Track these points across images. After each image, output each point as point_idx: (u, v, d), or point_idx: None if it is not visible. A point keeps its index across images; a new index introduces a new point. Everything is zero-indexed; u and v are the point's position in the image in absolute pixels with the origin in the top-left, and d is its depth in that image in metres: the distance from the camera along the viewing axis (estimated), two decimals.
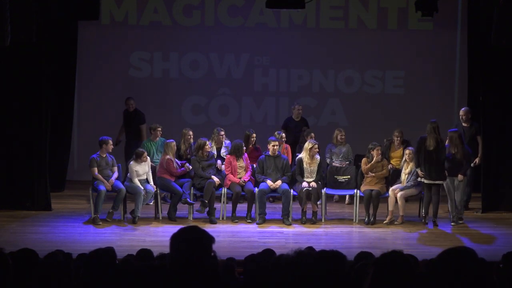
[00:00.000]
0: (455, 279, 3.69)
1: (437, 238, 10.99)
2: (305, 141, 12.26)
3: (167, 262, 3.90)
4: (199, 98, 14.79)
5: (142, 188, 11.58)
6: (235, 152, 11.92)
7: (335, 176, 12.35)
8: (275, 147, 11.92)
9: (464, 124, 12.26)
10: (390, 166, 12.07)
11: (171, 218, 11.62)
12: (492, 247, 10.28)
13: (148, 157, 11.94)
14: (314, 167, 11.83)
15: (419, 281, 3.92)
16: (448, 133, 11.69)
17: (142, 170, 11.73)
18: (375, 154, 11.83)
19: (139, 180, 11.67)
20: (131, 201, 11.98)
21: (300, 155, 12.05)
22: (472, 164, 12.01)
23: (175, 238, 3.88)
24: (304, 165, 11.83)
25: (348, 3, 14.53)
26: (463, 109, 12.52)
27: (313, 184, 11.70)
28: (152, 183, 11.80)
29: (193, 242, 3.84)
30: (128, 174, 11.75)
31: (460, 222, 11.61)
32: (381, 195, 11.69)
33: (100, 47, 14.58)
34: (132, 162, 11.73)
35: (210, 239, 3.87)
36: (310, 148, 11.80)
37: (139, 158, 11.68)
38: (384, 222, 11.59)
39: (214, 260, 3.86)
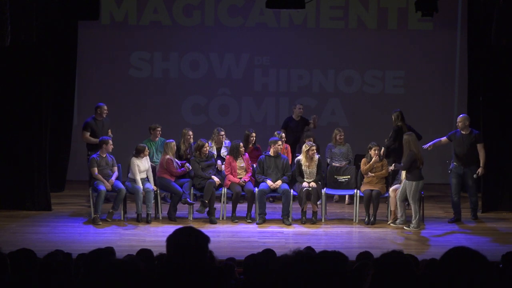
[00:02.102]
0: (457, 279, 3.69)
1: (437, 238, 10.98)
2: (304, 142, 12.23)
3: (165, 263, 3.91)
4: (199, 98, 14.79)
5: (142, 187, 11.58)
6: (233, 153, 11.91)
7: (335, 176, 12.34)
8: (280, 146, 11.91)
9: (462, 132, 11.75)
10: (390, 168, 12.05)
11: (171, 218, 11.62)
12: (492, 247, 10.27)
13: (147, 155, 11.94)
14: (313, 169, 11.81)
15: (419, 281, 3.92)
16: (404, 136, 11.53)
17: (143, 166, 11.73)
18: (373, 154, 11.82)
19: (140, 178, 11.67)
20: (131, 201, 11.97)
21: (299, 157, 12.04)
22: (475, 176, 11.68)
23: (170, 239, 3.89)
24: (303, 167, 11.81)
25: (348, 3, 14.52)
26: (460, 116, 11.96)
27: (313, 184, 11.69)
28: (152, 182, 11.80)
29: (189, 242, 3.84)
30: (129, 173, 11.73)
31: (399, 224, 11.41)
32: (381, 195, 11.68)
33: (100, 47, 14.57)
34: (133, 158, 11.72)
35: (205, 239, 3.87)
36: (307, 151, 11.77)
37: (141, 153, 11.68)
38: (389, 223, 11.57)
39: (211, 259, 3.86)
